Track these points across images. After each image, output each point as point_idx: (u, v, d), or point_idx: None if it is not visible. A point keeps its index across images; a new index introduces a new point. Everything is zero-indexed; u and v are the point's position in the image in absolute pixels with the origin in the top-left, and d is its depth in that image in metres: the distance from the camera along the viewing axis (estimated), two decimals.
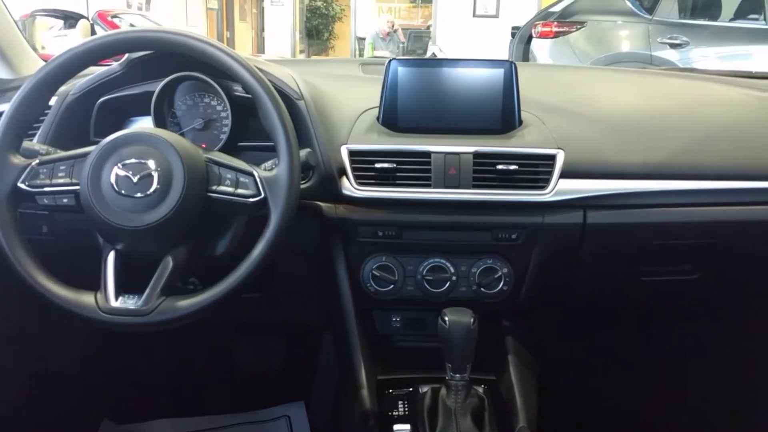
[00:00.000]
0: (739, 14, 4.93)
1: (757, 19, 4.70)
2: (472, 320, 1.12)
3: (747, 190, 1.26)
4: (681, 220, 1.25)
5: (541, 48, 5.51)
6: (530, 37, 5.66)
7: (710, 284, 1.39)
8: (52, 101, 1.15)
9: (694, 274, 1.34)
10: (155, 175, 0.96)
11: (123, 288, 0.98)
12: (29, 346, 1.54)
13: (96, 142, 1.00)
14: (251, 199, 0.99)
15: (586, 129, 1.29)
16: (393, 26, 10.27)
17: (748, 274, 1.42)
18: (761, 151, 1.31)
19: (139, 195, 0.95)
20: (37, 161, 1.00)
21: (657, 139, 1.30)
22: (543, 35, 5.42)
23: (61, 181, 0.99)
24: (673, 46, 4.76)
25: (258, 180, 1.00)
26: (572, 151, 1.21)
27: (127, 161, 0.96)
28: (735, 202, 1.27)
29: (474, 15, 10.02)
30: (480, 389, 1.24)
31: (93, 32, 7.92)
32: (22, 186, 0.99)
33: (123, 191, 0.95)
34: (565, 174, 1.19)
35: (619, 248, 1.29)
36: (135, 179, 0.95)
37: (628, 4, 5.04)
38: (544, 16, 5.64)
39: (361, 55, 11.79)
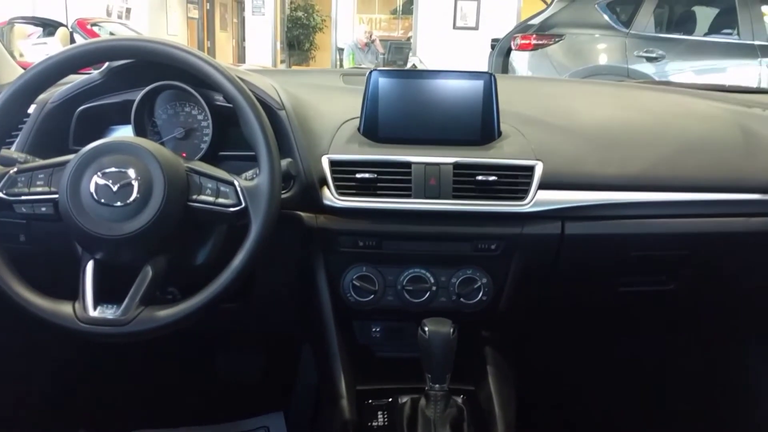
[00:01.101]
0: (714, 29, 5.03)
1: (730, 34, 4.80)
2: (451, 330, 1.13)
3: (721, 201, 1.28)
4: (657, 232, 1.27)
5: (520, 60, 5.56)
6: (509, 50, 5.71)
7: (685, 295, 1.41)
8: (31, 109, 1.15)
9: (669, 284, 1.36)
10: (135, 184, 0.95)
11: (101, 297, 0.98)
12: (6, 355, 1.52)
13: (75, 151, 1.00)
14: (232, 209, 0.99)
15: (565, 141, 1.30)
16: (371, 37, 10.26)
17: (722, 285, 1.44)
18: (734, 163, 1.33)
19: (118, 204, 0.95)
20: (15, 169, 1.00)
21: (633, 150, 1.31)
22: (522, 48, 5.47)
23: (39, 189, 0.98)
24: (649, 59, 4.84)
25: (239, 189, 0.99)
26: (550, 162, 1.22)
27: (107, 170, 0.96)
28: (709, 213, 1.28)
29: (454, 27, 10.10)
30: (459, 399, 1.24)
31: (72, 40, 7.85)
32: (0, 194, 0.98)
33: (102, 200, 0.95)
34: (544, 185, 1.21)
35: (596, 259, 1.30)
36: (115, 188, 0.95)
37: (606, 17, 5.12)
38: (523, 28, 5.69)
39: (341, 65, 11.80)
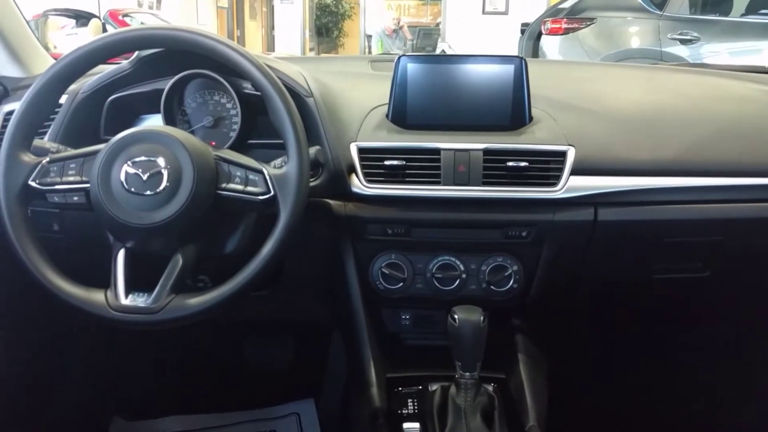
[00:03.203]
0: (751, 9, 4.88)
1: None
2: (481, 318, 1.12)
3: (758, 186, 1.25)
4: (692, 218, 1.25)
5: (550, 45, 5.48)
6: (540, 34, 5.63)
7: (721, 282, 1.38)
8: (63, 99, 1.16)
9: (704, 272, 1.33)
10: (165, 173, 0.96)
11: (133, 286, 0.99)
12: (39, 344, 1.55)
13: (106, 141, 1.00)
14: (260, 197, 0.99)
15: (597, 125, 1.28)
16: (398, 23, 10.22)
17: (759, 272, 1.41)
18: None
19: (148, 193, 0.95)
20: (48, 159, 1.01)
21: (667, 135, 1.29)
22: (552, 32, 5.39)
23: (71, 179, 0.99)
24: (683, 42, 4.72)
25: (267, 178, 0.99)
26: (583, 147, 1.20)
27: (137, 159, 0.96)
28: (746, 199, 1.25)
29: (483, 12, 10.01)
30: (490, 388, 1.23)
31: (104, 31, 7.94)
32: (33, 184, 0.99)
33: (133, 189, 0.95)
34: (576, 171, 1.19)
35: (629, 246, 1.28)
36: (144, 177, 0.95)
37: (638, 0, 5.01)
38: (553, 12, 5.61)
39: (369, 52, 11.77)
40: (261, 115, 1.11)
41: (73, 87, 1.13)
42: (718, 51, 4.66)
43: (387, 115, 1.26)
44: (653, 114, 1.36)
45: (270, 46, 15.82)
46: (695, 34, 4.70)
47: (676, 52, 4.73)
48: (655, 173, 1.22)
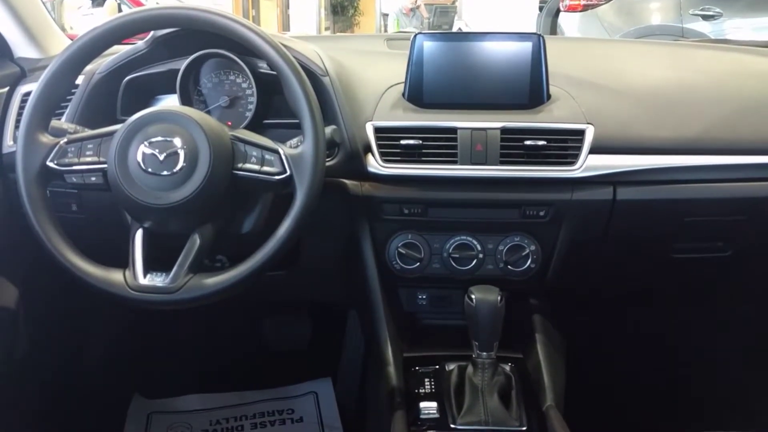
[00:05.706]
0: None
1: None
2: (498, 298, 1.12)
3: None
4: (713, 196, 1.23)
5: (569, 22, 5.42)
6: (558, 11, 5.56)
7: (742, 262, 1.36)
8: (79, 80, 1.16)
9: (726, 251, 1.31)
10: (181, 153, 0.96)
11: (151, 266, 0.99)
12: (60, 323, 1.56)
13: (123, 121, 1.01)
14: (277, 177, 0.99)
15: (616, 103, 1.26)
16: (415, 1, 10.14)
17: None
18: None
19: (165, 173, 0.96)
20: (65, 140, 1.01)
21: (689, 112, 1.27)
22: (571, 8, 5.32)
23: (88, 159, 1.00)
24: (705, 17, 4.64)
25: (283, 157, 0.99)
26: (602, 125, 1.19)
27: (154, 139, 0.96)
28: None
29: None
30: (507, 367, 1.23)
31: (120, 11, 7.94)
32: (51, 165, 1.00)
33: (149, 169, 0.96)
34: (595, 149, 1.17)
35: (649, 225, 1.27)
36: (161, 157, 0.95)
37: None
38: None
39: (386, 31, 11.70)
40: (277, 94, 1.11)
41: (89, 67, 1.13)
42: (741, 26, 4.58)
43: (403, 94, 1.25)
44: (674, 91, 1.34)
45: (285, 25, 15.74)
46: (717, 10, 4.61)
47: (698, 28, 4.65)
48: (676, 152, 1.21)
